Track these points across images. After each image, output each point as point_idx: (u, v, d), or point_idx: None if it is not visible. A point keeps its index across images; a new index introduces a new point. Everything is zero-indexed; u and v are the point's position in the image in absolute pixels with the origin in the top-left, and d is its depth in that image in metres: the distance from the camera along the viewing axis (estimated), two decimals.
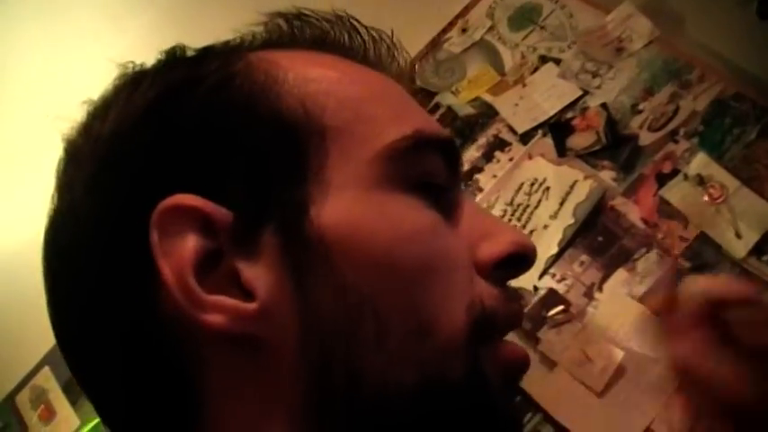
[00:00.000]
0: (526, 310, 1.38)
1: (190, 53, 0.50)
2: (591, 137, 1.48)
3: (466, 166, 1.57)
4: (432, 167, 0.46)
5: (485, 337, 0.43)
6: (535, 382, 1.32)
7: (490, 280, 0.46)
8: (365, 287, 0.41)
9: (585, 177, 1.45)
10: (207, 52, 0.49)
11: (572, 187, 1.45)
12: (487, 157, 1.56)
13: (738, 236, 1.31)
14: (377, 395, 0.41)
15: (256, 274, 0.41)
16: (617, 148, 1.46)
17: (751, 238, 1.30)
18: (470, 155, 1.58)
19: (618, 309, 1.33)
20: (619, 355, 1.29)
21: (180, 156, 0.43)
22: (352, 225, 0.42)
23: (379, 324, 0.41)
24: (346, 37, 0.52)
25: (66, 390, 1.88)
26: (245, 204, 0.42)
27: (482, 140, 1.58)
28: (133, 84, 0.47)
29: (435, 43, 1.73)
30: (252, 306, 0.40)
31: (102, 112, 0.47)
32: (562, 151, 1.50)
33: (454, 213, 0.48)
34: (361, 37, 0.53)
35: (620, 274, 1.36)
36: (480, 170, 1.56)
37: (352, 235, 0.42)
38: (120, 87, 0.48)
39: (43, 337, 1.89)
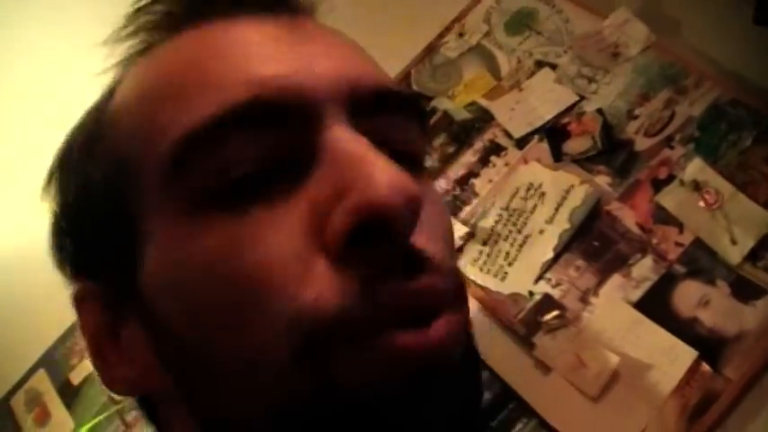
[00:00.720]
0: (521, 314, 1.38)
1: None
2: (587, 142, 1.48)
3: (461, 171, 1.57)
4: (225, 159, 0.38)
5: (342, 342, 0.35)
6: (530, 388, 1.32)
7: (345, 263, 0.36)
8: (187, 332, 0.39)
9: (581, 182, 1.45)
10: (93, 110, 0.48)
11: (568, 192, 1.45)
12: (483, 161, 1.56)
13: (733, 242, 1.31)
14: (249, 426, 0.38)
15: (129, 340, 0.43)
16: (613, 153, 1.46)
17: (746, 243, 1.30)
18: (466, 159, 1.58)
19: (613, 314, 1.33)
20: (614, 360, 1.29)
21: (70, 239, 0.46)
22: (159, 272, 0.39)
23: (212, 367, 0.38)
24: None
25: (62, 393, 1.88)
26: (103, 279, 0.44)
27: (478, 145, 1.58)
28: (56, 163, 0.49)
29: (432, 48, 1.73)
30: (135, 372, 0.43)
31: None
32: (558, 156, 1.50)
33: (303, 179, 0.38)
34: None
35: (616, 280, 1.36)
36: (476, 175, 1.56)
37: (159, 283, 0.39)
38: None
39: (38, 340, 1.90)
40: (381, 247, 0.36)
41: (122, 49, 0.46)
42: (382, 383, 0.35)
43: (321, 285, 0.35)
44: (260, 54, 0.40)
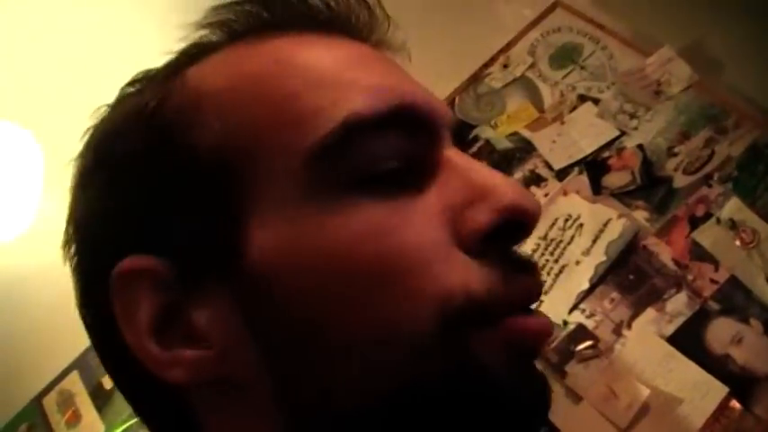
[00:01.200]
0: (555, 343, 1.40)
1: (136, 86, 0.49)
2: (626, 177, 1.50)
3: None
4: (379, 149, 0.41)
5: (479, 323, 0.40)
6: (561, 416, 1.33)
7: (482, 256, 0.41)
8: (311, 310, 0.40)
9: (619, 216, 1.47)
10: (143, 87, 0.48)
11: (605, 225, 1.47)
12: None
13: None
14: (353, 407, 0.40)
15: (208, 319, 0.41)
16: (651, 189, 1.48)
17: None
18: None
19: (645, 347, 1.35)
20: (644, 392, 1.30)
21: (122, 214, 0.44)
22: (284, 253, 0.40)
23: (337, 340, 0.39)
24: (286, 9, 0.48)
25: (94, 396, 1.90)
26: (183, 254, 0.42)
27: (518, 175, 1.60)
28: (86, 146, 0.48)
29: (476, 77, 1.75)
30: (210, 352, 0.41)
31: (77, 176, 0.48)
32: (597, 189, 1.52)
33: (433, 180, 0.43)
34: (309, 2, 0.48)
35: (650, 313, 1.37)
36: None
37: (285, 263, 0.40)
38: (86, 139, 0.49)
39: (73, 342, 1.92)
40: (510, 245, 0.43)
41: (194, 36, 0.48)
42: (509, 359, 0.41)
43: (466, 272, 0.40)
44: (392, 71, 0.46)
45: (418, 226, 0.41)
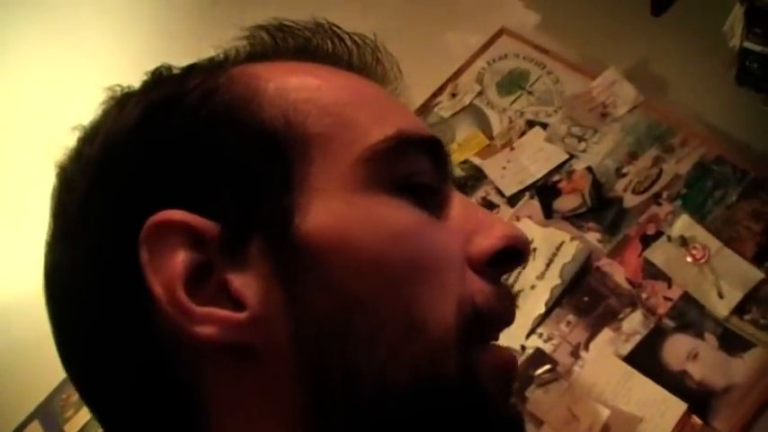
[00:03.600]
0: None
1: (176, 71, 0.51)
2: (577, 199, 1.52)
3: None
4: (417, 167, 0.47)
5: (477, 334, 0.44)
6: None
7: (483, 276, 0.46)
8: (354, 288, 0.42)
9: (572, 239, 1.48)
10: (190, 69, 0.51)
11: (558, 248, 1.48)
12: None
13: (721, 295, 1.34)
14: (373, 393, 0.41)
15: (245, 283, 0.42)
16: (602, 210, 1.50)
17: (733, 297, 1.33)
18: None
19: (604, 368, 1.35)
20: (605, 413, 1.30)
21: (165, 171, 0.44)
22: (338, 229, 0.43)
23: (370, 323, 0.42)
24: (329, 44, 0.54)
25: None
26: (230, 216, 0.43)
27: None
28: (119, 105, 0.49)
29: (426, 107, 1.76)
30: (242, 315, 0.41)
31: (90, 136, 0.48)
32: (549, 213, 1.53)
33: (444, 210, 0.48)
34: (345, 43, 0.54)
35: (606, 334, 1.38)
36: None
37: (338, 238, 0.42)
38: (107, 110, 0.49)
39: (33, 392, 1.89)
40: (506, 270, 0.48)
41: (237, 42, 0.53)
42: (496, 379, 0.45)
43: (473, 284, 0.45)
44: (403, 109, 0.52)
45: (445, 237, 0.46)
